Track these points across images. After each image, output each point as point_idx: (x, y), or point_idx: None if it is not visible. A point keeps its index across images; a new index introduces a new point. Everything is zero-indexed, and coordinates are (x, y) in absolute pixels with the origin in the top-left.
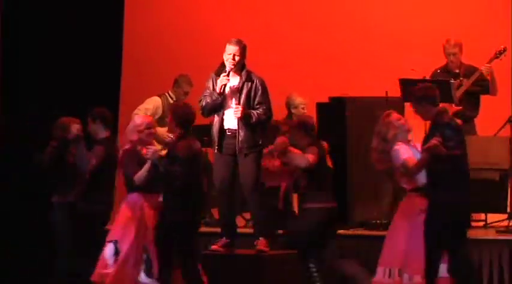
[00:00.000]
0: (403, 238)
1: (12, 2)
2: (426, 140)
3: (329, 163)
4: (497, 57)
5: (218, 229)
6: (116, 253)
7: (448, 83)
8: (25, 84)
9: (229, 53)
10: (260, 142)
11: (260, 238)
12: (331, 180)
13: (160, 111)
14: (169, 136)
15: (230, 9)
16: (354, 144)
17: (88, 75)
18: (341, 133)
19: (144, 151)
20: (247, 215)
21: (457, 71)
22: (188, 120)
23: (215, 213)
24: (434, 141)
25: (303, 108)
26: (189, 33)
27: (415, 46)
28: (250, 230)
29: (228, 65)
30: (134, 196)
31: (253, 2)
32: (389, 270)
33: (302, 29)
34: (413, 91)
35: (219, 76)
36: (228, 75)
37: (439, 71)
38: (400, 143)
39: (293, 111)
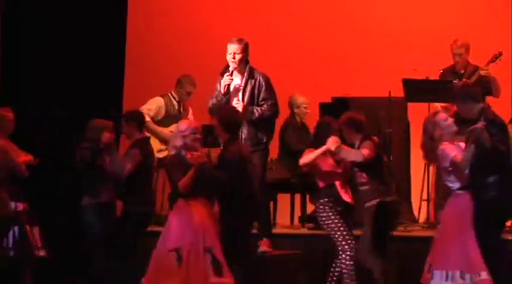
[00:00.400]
0: (457, 239)
1: (12, 2)
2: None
3: None
4: (493, 61)
5: None
6: (179, 259)
7: (451, 83)
8: (26, 84)
9: (230, 52)
10: (264, 140)
11: (263, 239)
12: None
13: (163, 112)
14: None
15: (232, 10)
16: None
17: (91, 76)
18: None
19: (189, 156)
20: None
21: (462, 71)
22: (236, 124)
23: None
24: (479, 125)
25: (305, 108)
26: (192, 33)
27: (418, 46)
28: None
29: (231, 64)
30: (181, 203)
31: (255, 2)
32: (449, 273)
33: (305, 29)
34: (455, 89)
35: (223, 76)
36: (231, 75)
37: (445, 71)
38: (445, 143)
39: (295, 110)
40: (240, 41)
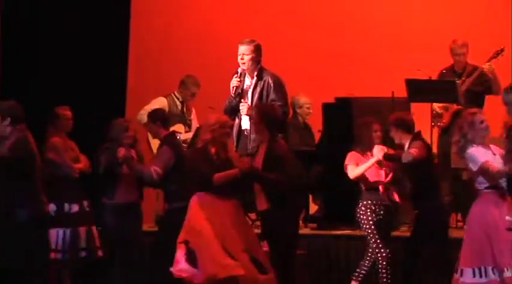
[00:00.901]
0: (486, 237)
1: (12, 2)
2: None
3: None
4: (495, 57)
5: None
6: (189, 253)
7: (454, 83)
8: (26, 85)
9: (239, 53)
10: None
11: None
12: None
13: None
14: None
15: (235, 10)
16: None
17: (94, 76)
18: (347, 133)
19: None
20: (253, 216)
21: (462, 71)
22: (277, 121)
23: None
24: None
25: (307, 108)
26: (195, 33)
27: (421, 46)
28: (257, 231)
29: (240, 66)
30: (203, 196)
31: (259, 2)
32: (481, 269)
33: (308, 30)
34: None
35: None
36: (239, 77)
37: (445, 71)
38: (476, 146)
39: (298, 111)
40: (250, 42)
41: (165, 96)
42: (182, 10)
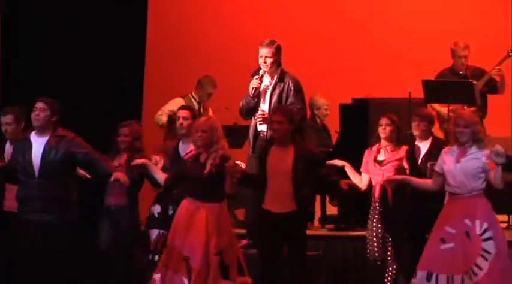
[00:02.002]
0: None
1: (12, 2)
2: None
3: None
4: (510, 56)
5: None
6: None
7: (471, 84)
8: (39, 88)
9: (261, 55)
10: None
11: None
12: None
13: None
14: None
15: (252, 10)
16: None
17: (111, 77)
18: (364, 134)
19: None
20: None
21: (464, 72)
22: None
23: (239, 214)
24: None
25: (325, 110)
26: (213, 34)
27: (438, 47)
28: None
29: (262, 68)
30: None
31: (276, 3)
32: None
33: (325, 31)
34: None
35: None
36: (260, 78)
37: (446, 71)
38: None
39: (316, 112)
40: (270, 43)
41: (182, 97)
42: (200, 10)
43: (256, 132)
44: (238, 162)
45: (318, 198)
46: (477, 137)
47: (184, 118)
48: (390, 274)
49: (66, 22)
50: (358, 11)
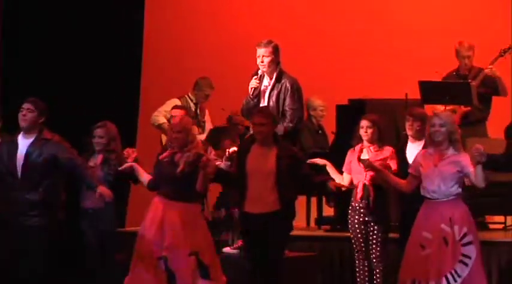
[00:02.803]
0: None
1: (12, 2)
2: None
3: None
4: (501, 56)
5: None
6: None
7: (468, 85)
8: (37, 88)
9: (258, 55)
10: None
11: None
12: None
13: None
14: None
15: (249, 11)
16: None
17: (107, 78)
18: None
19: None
20: None
21: (467, 73)
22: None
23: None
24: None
25: (321, 111)
26: (210, 35)
27: (435, 47)
28: None
29: (260, 68)
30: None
31: (272, 4)
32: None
33: (321, 32)
34: None
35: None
36: (259, 79)
37: (453, 73)
38: None
39: (312, 113)
40: (267, 43)
41: (179, 98)
42: (197, 11)
43: None
44: (232, 149)
45: (314, 199)
46: (453, 137)
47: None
48: (378, 275)
49: (65, 24)
50: (355, 12)
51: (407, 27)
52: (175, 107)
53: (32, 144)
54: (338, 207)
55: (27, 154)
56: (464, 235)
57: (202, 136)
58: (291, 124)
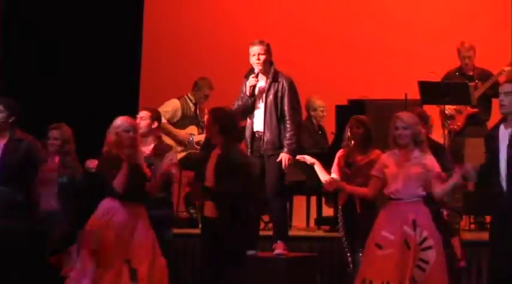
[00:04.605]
0: None
1: (12, 1)
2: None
3: None
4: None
5: None
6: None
7: (467, 85)
8: (38, 86)
9: (253, 53)
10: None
11: (278, 241)
12: None
13: (179, 114)
14: (189, 138)
15: (246, 11)
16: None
17: (107, 78)
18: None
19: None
20: (266, 218)
21: (472, 73)
22: (235, 126)
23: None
24: None
25: (321, 111)
26: (209, 35)
27: (434, 48)
28: (269, 233)
29: (256, 67)
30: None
31: (271, 4)
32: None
33: (320, 32)
34: None
35: (248, 79)
36: (256, 77)
37: (455, 72)
38: None
39: (312, 113)
40: (262, 42)
41: (178, 98)
42: (195, 11)
43: (253, 133)
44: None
45: (314, 199)
46: (418, 139)
47: (142, 119)
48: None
49: (65, 24)
50: (354, 12)
51: (407, 27)
52: (143, 108)
53: (5, 145)
54: (337, 207)
55: (2, 156)
56: (425, 239)
57: (202, 137)
58: (293, 132)
